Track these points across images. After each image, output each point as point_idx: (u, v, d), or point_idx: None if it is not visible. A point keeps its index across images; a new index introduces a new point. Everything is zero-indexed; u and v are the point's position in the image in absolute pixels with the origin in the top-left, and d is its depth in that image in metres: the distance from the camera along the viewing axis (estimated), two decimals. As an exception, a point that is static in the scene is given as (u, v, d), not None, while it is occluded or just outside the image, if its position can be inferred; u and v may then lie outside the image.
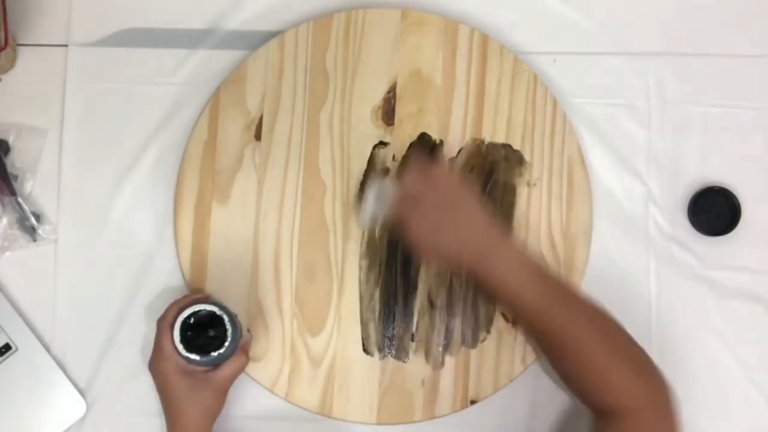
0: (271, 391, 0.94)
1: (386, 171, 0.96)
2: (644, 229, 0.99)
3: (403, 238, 0.88)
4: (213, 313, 0.85)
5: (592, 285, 0.97)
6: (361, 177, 0.96)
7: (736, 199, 0.99)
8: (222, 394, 0.88)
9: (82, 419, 0.95)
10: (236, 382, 0.94)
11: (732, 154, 1.00)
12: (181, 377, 0.85)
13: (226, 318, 0.85)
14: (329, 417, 0.94)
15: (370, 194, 0.92)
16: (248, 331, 0.94)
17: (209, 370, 0.87)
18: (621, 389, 0.81)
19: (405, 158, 0.96)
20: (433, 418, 0.94)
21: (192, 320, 0.85)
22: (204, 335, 0.86)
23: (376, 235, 0.95)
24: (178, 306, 0.86)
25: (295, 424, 0.95)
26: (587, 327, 0.84)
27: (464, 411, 0.94)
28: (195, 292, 0.93)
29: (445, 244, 0.86)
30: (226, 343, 0.84)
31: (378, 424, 0.94)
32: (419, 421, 0.94)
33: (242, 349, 0.89)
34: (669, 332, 0.98)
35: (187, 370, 0.86)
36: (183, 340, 0.84)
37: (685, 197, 1.00)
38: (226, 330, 0.85)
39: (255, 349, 0.95)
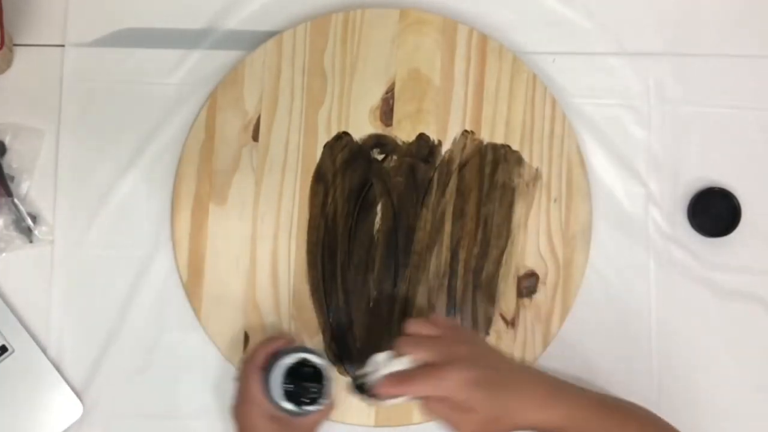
0: (269, 393, 0.94)
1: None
2: (644, 230, 0.99)
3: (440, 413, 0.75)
4: (314, 367, 0.82)
5: (592, 286, 0.97)
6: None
7: (736, 199, 0.98)
8: None
9: (79, 421, 0.94)
10: (234, 383, 0.94)
11: (732, 155, 1.00)
12: (269, 423, 0.81)
13: (327, 373, 0.82)
14: (327, 419, 0.94)
15: (380, 372, 0.75)
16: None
17: (296, 416, 0.83)
18: None
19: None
20: (432, 420, 0.94)
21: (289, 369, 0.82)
22: (298, 383, 0.82)
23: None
24: (267, 350, 0.84)
25: (293, 426, 0.95)
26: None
27: (463, 413, 0.94)
28: (273, 336, 0.90)
29: (505, 389, 0.74)
30: (324, 400, 0.81)
31: (377, 426, 0.94)
32: (418, 423, 0.94)
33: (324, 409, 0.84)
34: (669, 334, 0.98)
35: (274, 416, 0.82)
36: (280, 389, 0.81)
37: (684, 198, 0.99)
38: (322, 382, 0.82)
39: (253, 351, 0.94)
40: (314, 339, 0.95)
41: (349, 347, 0.95)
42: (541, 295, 0.96)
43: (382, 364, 0.75)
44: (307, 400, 0.81)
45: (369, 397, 0.76)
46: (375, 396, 0.75)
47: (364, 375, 0.76)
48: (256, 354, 0.85)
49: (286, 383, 0.81)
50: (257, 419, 0.82)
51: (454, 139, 0.98)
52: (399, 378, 0.73)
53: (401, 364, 0.74)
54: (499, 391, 0.73)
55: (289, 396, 0.81)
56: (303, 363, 0.82)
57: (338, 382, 0.87)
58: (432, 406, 0.72)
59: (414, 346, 0.74)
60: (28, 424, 0.94)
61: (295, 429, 0.83)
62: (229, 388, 0.95)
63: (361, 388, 0.76)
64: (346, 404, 0.93)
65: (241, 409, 0.84)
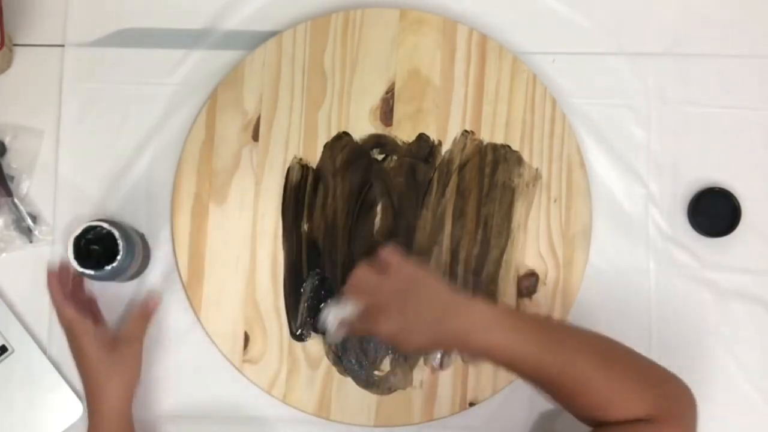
0: (269, 393, 0.94)
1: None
2: (644, 230, 0.99)
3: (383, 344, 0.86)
4: (102, 231, 0.87)
5: (592, 286, 0.97)
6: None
7: (736, 199, 0.98)
8: (136, 359, 0.90)
9: (79, 421, 0.94)
10: (233, 383, 0.95)
11: (732, 155, 1.00)
12: (98, 350, 0.86)
13: (116, 233, 0.86)
14: (327, 419, 0.94)
15: (330, 320, 0.84)
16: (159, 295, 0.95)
17: (119, 336, 0.89)
18: (632, 411, 0.77)
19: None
20: (432, 420, 0.94)
21: (83, 242, 0.87)
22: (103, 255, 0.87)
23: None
24: (54, 277, 0.86)
25: (293, 426, 0.95)
26: (587, 362, 0.79)
27: (463, 413, 0.94)
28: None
29: (418, 338, 0.80)
30: (119, 256, 0.86)
31: (376, 426, 0.94)
32: (418, 423, 0.94)
33: (143, 313, 0.92)
34: (669, 334, 0.98)
35: (101, 342, 0.87)
36: (78, 257, 0.86)
37: (685, 198, 0.99)
38: (117, 244, 0.86)
39: (253, 351, 0.94)
40: (313, 340, 0.95)
41: (350, 347, 0.95)
42: (541, 295, 0.96)
43: (332, 309, 0.84)
44: (104, 262, 0.86)
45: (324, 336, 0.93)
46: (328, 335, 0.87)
47: (322, 320, 0.85)
48: (52, 288, 0.86)
49: (87, 257, 0.87)
50: (86, 347, 0.86)
51: (454, 139, 0.98)
52: (343, 326, 0.84)
53: (344, 311, 0.83)
54: (428, 327, 0.80)
55: (91, 265, 0.86)
56: (95, 234, 0.87)
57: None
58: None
59: (355, 294, 0.83)
60: (28, 424, 0.94)
61: (124, 354, 0.89)
62: (229, 388, 0.95)
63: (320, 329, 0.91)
64: (345, 404, 0.94)
65: (70, 345, 0.87)
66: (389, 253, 0.84)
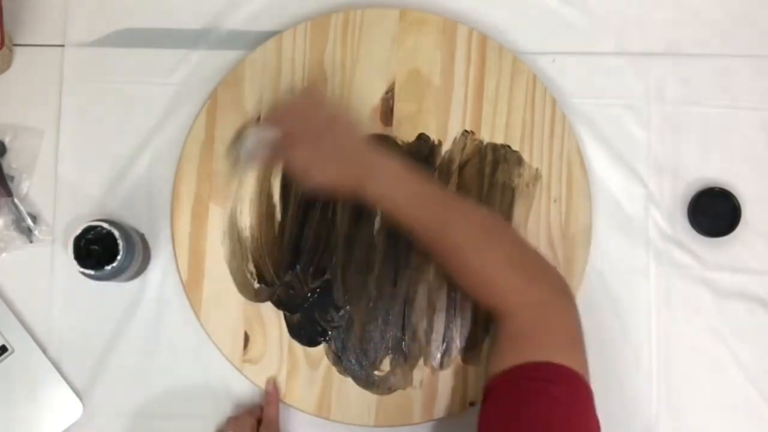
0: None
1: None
2: (644, 230, 0.99)
3: (288, 175, 0.90)
4: (102, 231, 0.88)
5: (592, 286, 0.97)
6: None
7: (737, 199, 0.98)
8: None
9: (79, 421, 0.94)
10: (233, 383, 0.95)
11: (732, 155, 1.00)
12: None
13: (116, 233, 0.87)
14: (327, 419, 0.94)
15: (249, 140, 0.88)
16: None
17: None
18: (507, 294, 0.83)
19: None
20: (432, 420, 0.94)
21: (83, 242, 0.88)
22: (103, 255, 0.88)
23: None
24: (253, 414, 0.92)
25: (293, 425, 0.95)
26: (466, 234, 0.84)
27: (463, 413, 0.94)
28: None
29: (324, 172, 0.86)
30: (119, 256, 0.87)
31: (376, 426, 0.94)
32: (418, 423, 0.94)
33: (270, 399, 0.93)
34: (668, 333, 0.98)
35: None
36: (78, 257, 0.87)
37: (685, 198, 0.99)
38: (117, 244, 0.87)
39: (253, 351, 0.94)
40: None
41: (349, 347, 0.95)
42: (541, 295, 0.96)
43: (253, 130, 0.89)
44: (105, 261, 0.87)
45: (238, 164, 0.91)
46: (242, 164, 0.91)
47: (239, 145, 0.89)
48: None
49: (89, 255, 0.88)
50: None
51: (454, 139, 0.98)
52: (260, 146, 0.88)
53: (264, 133, 0.87)
54: (335, 165, 0.86)
55: (91, 265, 0.87)
56: (95, 234, 0.88)
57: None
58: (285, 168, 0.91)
59: (277, 121, 0.88)
60: (28, 424, 0.94)
61: None
62: (229, 388, 0.95)
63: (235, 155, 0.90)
64: (345, 404, 0.94)
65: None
66: (307, 100, 0.90)
